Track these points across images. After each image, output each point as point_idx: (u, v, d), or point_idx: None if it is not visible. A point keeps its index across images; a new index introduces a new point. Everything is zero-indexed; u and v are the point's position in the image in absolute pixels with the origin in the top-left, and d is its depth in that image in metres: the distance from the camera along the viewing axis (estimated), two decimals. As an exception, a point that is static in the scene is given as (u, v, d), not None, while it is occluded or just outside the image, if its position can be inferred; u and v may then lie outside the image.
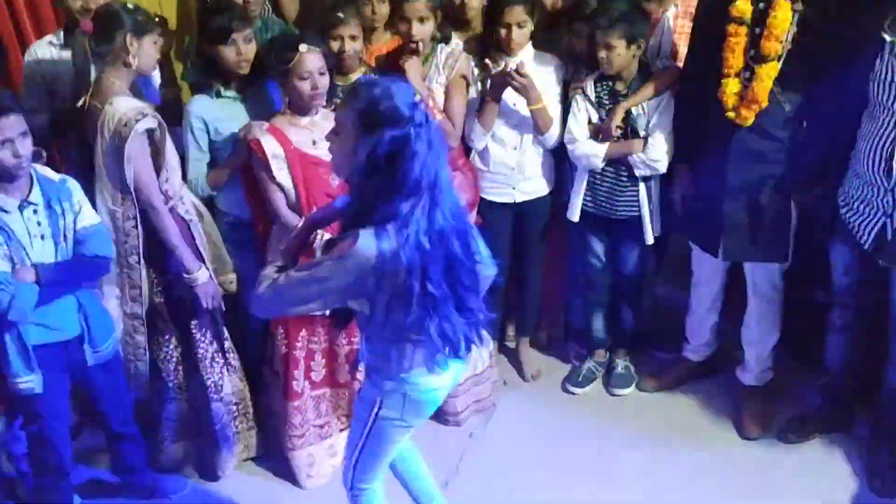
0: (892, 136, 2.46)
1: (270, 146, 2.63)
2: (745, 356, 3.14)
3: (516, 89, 2.93)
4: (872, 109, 2.54)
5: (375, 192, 1.82)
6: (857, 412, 3.08)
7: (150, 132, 2.51)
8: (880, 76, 2.47)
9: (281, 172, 2.65)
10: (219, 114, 2.78)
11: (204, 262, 2.71)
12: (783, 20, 2.63)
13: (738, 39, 2.71)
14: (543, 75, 3.06)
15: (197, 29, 3.06)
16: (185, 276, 2.64)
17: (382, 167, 1.78)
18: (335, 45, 2.84)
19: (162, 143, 2.56)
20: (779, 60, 2.68)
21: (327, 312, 2.17)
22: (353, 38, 2.86)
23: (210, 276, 2.70)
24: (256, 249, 2.88)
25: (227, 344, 2.87)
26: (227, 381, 2.88)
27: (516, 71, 2.89)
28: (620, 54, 2.91)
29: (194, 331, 2.78)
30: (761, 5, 2.67)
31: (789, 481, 2.90)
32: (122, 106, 2.47)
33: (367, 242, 1.79)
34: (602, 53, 2.91)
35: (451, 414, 3.20)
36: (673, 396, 3.32)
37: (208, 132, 2.78)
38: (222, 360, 2.85)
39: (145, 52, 2.53)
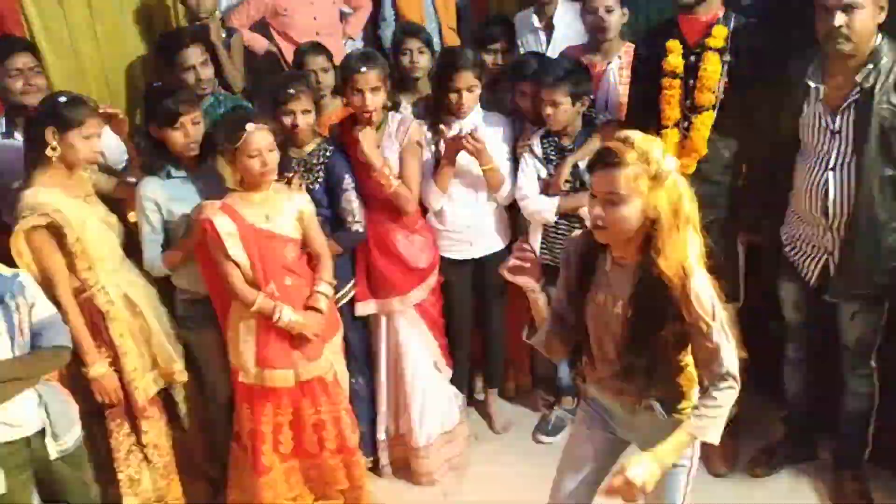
0: (824, 177, 2.56)
1: (224, 225, 2.65)
2: (709, 393, 3.19)
3: (470, 153, 3.00)
4: (805, 152, 2.65)
5: None
6: (819, 441, 3.15)
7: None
8: (808, 121, 2.59)
9: (236, 249, 2.67)
10: (170, 194, 2.80)
11: (117, 354, 2.70)
12: (714, 72, 2.75)
13: (672, 92, 2.82)
14: (493, 135, 3.14)
15: (144, 111, 3.09)
16: (82, 368, 2.64)
17: None
18: (288, 120, 2.88)
19: (71, 236, 2.57)
20: (714, 109, 2.79)
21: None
22: (305, 111, 2.90)
23: (107, 371, 2.68)
24: (215, 326, 2.88)
25: (148, 437, 2.83)
26: (145, 477, 2.84)
27: (471, 135, 2.96)
28: (566, 111, 2.99)
29: (108, 420, 2.76)
30: (692, 58, 2.79)
31: (759, 517, 2.95)
32: (27, 199, 2.52)
33: None
34: (548, 110, 2.99)
35: (424, 474, 3.21)
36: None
37: (161, 213, 2.80)
38: (141, 455, 2.83)
39: (70, 145, 2.56)
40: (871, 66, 2.43)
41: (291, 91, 2.87)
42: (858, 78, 2.44)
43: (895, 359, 2.85)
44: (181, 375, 2.88)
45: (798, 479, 3.08)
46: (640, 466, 1.85)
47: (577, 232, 2.15)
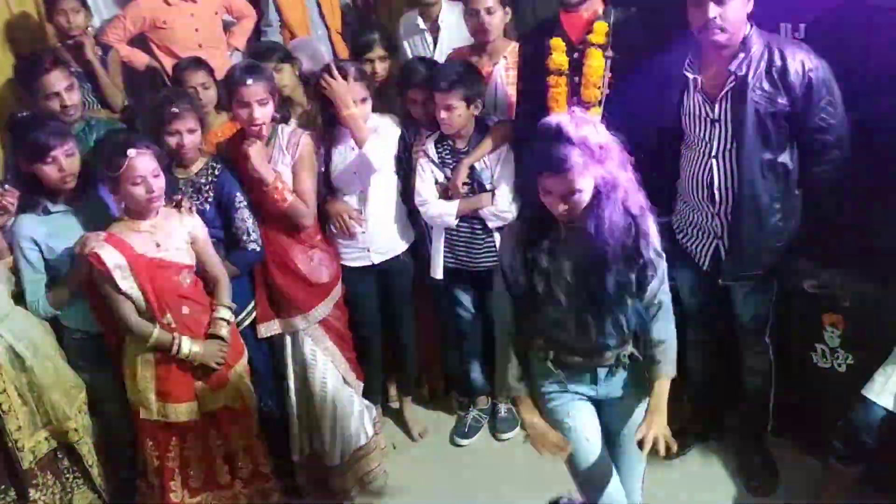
0: (709, 164, 2.64)
1: (111, 257, 2.52)
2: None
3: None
4: (688, 141, 2.72)
5: None
6: (725, 419, 3.25)
7: None
8: (689, 111, 2.66)
9: (126, 282, 2.55)
10: (49, 230, 2.65)
11: None
12: (597, 67, 2.80)
13: (559, 90, 2.85)
14: (383, 129, 3.09)
15: (10, 145, 2.90)
16: None
17: None
18: (173, 141, 2.76)
19: None
20: (600, 105, 2.83)
21: None
22: (190, 130, 2.78)
23: None
24: (110, 364, 2.75)
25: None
26: None
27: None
28: (461, 115, 2.99)
29: None
30: (575, 55, 2.82)
31: (675, 495, 3.02)
32: None
33: None
34: (443, 115, 2.97)
35: (342, 491, 3.16)
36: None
37: (41, 251, 2.65)
38: None
39: None
40: (742, 54, 2.50)
41: (175, 110, 2.75)
42: (732, 67, 2.51)
43: (790, 334, 2.98)
44: (75, 435, 2.71)
45: (708, 456, 3.18)
46: (655, 425, 2.11)
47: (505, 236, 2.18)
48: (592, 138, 1.97)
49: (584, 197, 1.99)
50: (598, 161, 1.97)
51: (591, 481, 2.25)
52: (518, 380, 2.28)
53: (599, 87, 2.81)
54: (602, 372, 2.23)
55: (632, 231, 2.06)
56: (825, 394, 2.93)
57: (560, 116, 2.01)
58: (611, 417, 2.31)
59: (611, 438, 2.32)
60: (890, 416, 2.42)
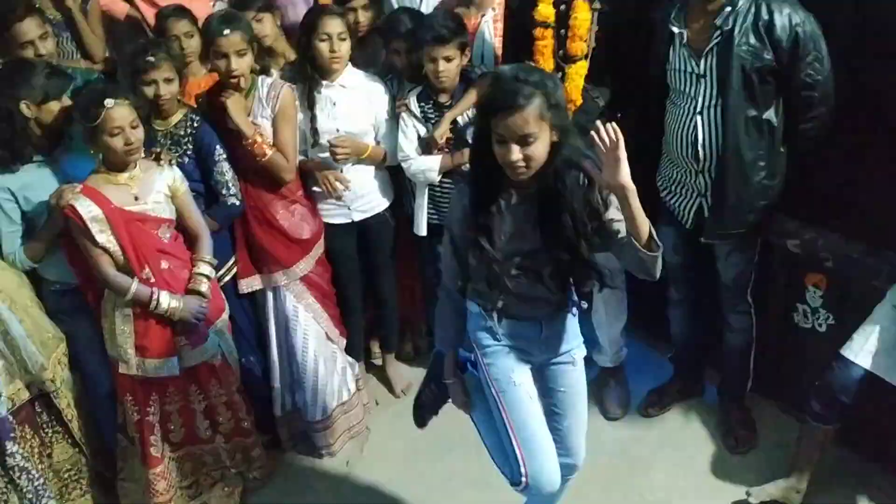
0: (693, 120, 2.61)
1: (87, 209, 2.49)
2: (599, 340, 3.26)
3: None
4: (673, 97, 2.68)
5: None
6: (706, 378, 3.27)
7: None
8: (675, 66, 2.62)
9: (103, 235, 2.52)
10: (25, 181, 2.60)
11: None
12: (584, 20, 2.75)
13: (545, 42, 2.80)
14: (375, 94, 3.06)
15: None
16: None
17: None
18: (150, 91, 2.71)
19: None
20: (587, 59, 2.79)
21: None
22: (167, 80, 2.73)
23: None
24: (90, 317, 2.74)
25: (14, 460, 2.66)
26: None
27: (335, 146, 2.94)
28: (458, 65, 2.94)
29: None
30: (563, 7, 2.77)
31: (654, 454, 3.05)
32: None
33: None
34: (441, 67, 2.91)
35: (324, 446, 3.18)
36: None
37: (17, 202, 2.61)
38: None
39: None
40: (728, 8, 2.46)
41: (151, 59, 2.69)
42: (718, 21, 2.47)
43: (772, 294, 2.98)
44: (51, 385, 2.70)
45: (688, 414, 3.20)
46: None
47: (456, 197, 2.10)
48: (550, 85, 1.91)
49: (540, 149, 1.91)
50: (555, 109, 1.90)
51: (529, 442, 2.18)
52: (450, 336, 2.31)
53: (586, 41, 2.76)
54: (545, 322, 2.19)
55: (585, 186, 1.99)
56: (805, 353, 2.94)
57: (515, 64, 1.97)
58: (554, 380, 2.29)
59: (552, 403, 2.30)
60: (867, 377, 2.43)
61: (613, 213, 1.99)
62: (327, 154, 3.00)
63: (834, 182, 2.66)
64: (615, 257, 2.03)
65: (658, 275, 1.98)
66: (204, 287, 2.69)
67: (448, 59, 2.90)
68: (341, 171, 3.03)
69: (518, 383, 2.20)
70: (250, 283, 3.01)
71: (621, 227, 1.96)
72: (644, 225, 1.90)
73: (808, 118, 2.53)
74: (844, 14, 2.53)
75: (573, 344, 2.27)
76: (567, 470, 2.34)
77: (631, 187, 1.85)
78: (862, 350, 2.44)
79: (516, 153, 1.89)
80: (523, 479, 2.17)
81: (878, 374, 2.41)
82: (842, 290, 2.77)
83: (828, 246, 2.74)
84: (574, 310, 2.22)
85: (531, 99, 1.86)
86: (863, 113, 2.54)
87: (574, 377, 2.30)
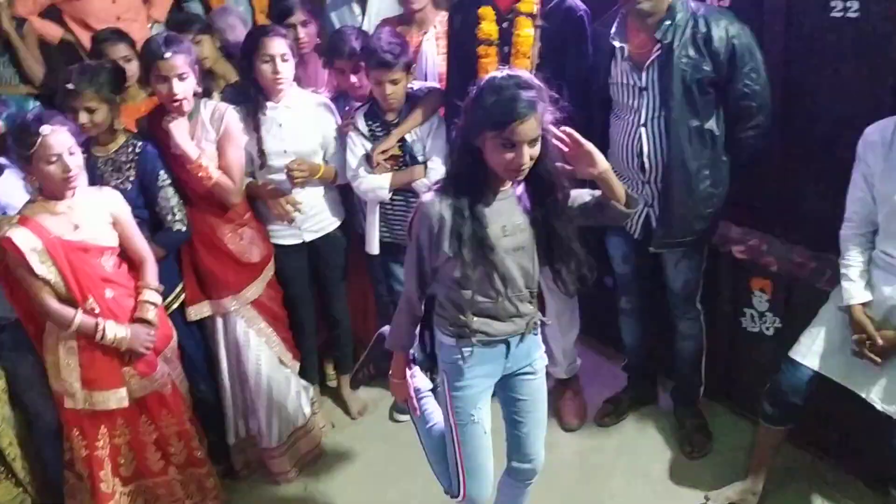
0: (638, 133, 2.65)
1: (25, 241, 2.40)
2: (553, 351, 3.27)
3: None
4: (617, 111, 2.72)
5: None
6: (659, 386, 3.32)
7: None
8: (617, 80, 2.66)
9: (43, 266, 2.43)
10: (-43, 213, 2.52)
11: None
12: (527, 36, 2.77)
13: (489, 59, 2.82)
14: (320, 113, 3.04)
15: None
16: None
17: None
18: (78, 119, 2.62)
19: None
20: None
21: None
22: (89, 110, 2.64)
23: None
24: (32, 351, 2.64)
25: None
26: None
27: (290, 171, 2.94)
28: (405, 85, 2.94)
29: None
30: (505, 25, 2.79)
31: (612, 463, 3.07)
32: None
33: None
34: (389, 90, 2.91)
35: (281, 473, 3.12)
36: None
37: (-49, 235, 2.51)
38: None
39: None
40: (668, 22, 2.51)
41: (70, 86, 2.62)
42: (658, 35, 2.52)
43: (720, 300, 3.03)
44: None
45: (644, 422, 3.24)
46: None
47: (429, 206, 2.08)
48: (543, 87, 2.00)
49: (539, 147, 1.99)
50: (549, 108, 2.00)
51: (474, 469, 2.30)
52: (403, 340, 2.37)
53: (529, 57, 2.78)
54: (514, 342, 2.24)
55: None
56: (754, 357, 3.00)
57: (507, 69, 2.03)
58: (515, 389, 2.33)
59: (513, 411, 2.36)
60: (816, 377, 2.49)
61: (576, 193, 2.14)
62: (277, 176, 2.97)
63: (775, 189, 2.74)
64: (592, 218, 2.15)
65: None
66: (151, 314, 2.63)
67: (394, 83, 2.90)
68: (291, 194, 2.99)
69: (477, 420, 2.27)
70: (199, 311, 2.95)
71: (585, 196, 2.13)
72: (622, 188, 2.08)
73: (747, 127, 2.60)
74: (777, 27, 2.61)
75: (535, 355, 2.32)
76: (527, 475, 2.43)
77: (608, 167, 2.03)
78: (809, 351, 2.49)
79: (527, 155, 1.96)
80: (461, 495, 2.33)
81: (825, 375, 2.47)
82: (787, 293, 2.84)
83: (772, 251, 2.81)
84: (539, 327, 2.29)
85: (539, 103, 1.95)
86: (800, 120, 2.62)
87: (535, 386, 2.35)
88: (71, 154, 2.43)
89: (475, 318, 2.15)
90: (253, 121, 2.94)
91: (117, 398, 2.59)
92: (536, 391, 2.35)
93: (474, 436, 2.27)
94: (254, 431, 3.10)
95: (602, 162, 2.01)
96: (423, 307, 2.28)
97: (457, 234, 2.04)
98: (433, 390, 2.73)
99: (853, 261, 2.41)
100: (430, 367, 3.37)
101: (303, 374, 3.23)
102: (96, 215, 2.56)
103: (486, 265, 2.07)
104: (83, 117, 2.63)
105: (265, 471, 3.15)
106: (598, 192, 2.12)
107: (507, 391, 2.35)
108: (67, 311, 2.48)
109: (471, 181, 2.05)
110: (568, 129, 1.99)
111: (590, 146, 2.00)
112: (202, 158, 2.75)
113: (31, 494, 2.78)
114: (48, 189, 2.47)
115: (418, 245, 2.13)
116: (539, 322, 2.28)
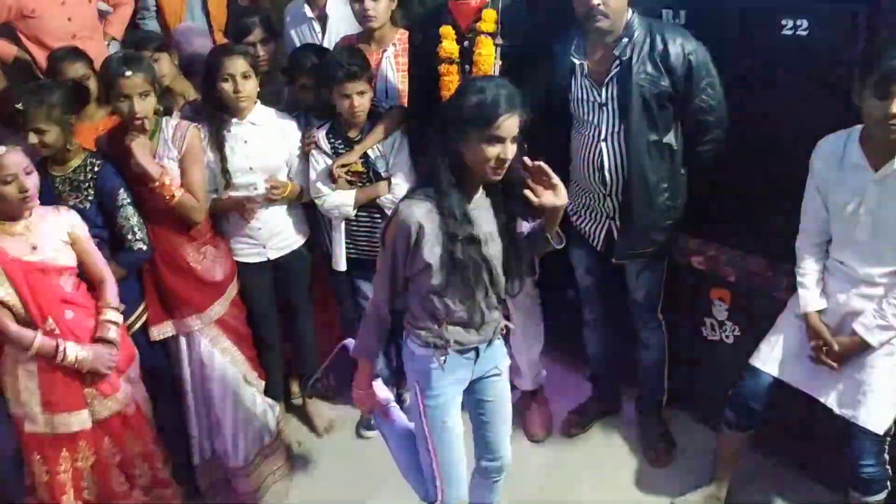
0: (598, 147, 2.70)
1: (-18, 263, 2.37)
2: (518, 363, 3.29)
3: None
4: (578, 126, 2.77)
5: None
6: (623, 394, 3.36)
7: None
8: (577, 96, 2.71)
9: (1, 289, 2.39)
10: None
11: None
12: (488, 55, 2.80)
13: (451, 78, 2.84)
14: (286, 130, 3.04)
15: None
16: None
17: None
18: (31, 139, 2.58)
19: None
20: (492, 92, 2.84)
21: None
22: (38, 131, 2.59)
23: None
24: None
25: None
26: None
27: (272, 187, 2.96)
28: (370, 99, 2.97)
29: None
30: (466, 43, 2.82)
31: (579, 473, 3.10)
32: None
33: None
34: (356, 102, 2.92)
35: (246, 493, 3.08)
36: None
37: None
38: None
39: None
40: (626, 39, 2.57)
41: (18, 106, 2.57)
42: (617, 52, 2.58)
43: (680, 309, 3.09)
44: None
45: (609, 432, 3.28)
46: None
47: (407, 215, 2.11)
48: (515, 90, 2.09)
49: (516, 147, 2.07)
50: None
51: (450, 474, 2.35)
52: (371, 348, 2.37)
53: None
54: (483, 347, 2.31)
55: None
56: (715, 364, 3.06)
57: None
58: (483, 392, 2.40)
59: (481, 413, 2.44)
60: (776, 383, 2.55)
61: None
62: (241, 193, 2.96)
63: (732, 201, 2.80)
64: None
65: None
66: (112, 334, 2.59)
67: (361, 94, 2.92)
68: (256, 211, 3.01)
69: (450, 426, 2.32)
70: (162, 330, 2.91)
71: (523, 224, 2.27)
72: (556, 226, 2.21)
73: (704, 140, 2.66)
74: (732, 43, 2.68)
75: (500, 358, 2.40)
76: (496, 472, 2.53)
77: (566, 203, 2.15)
78: (769, 358, 2.55)
79: (511, 149, 2.05)
80: (437, 501, 2.38)
81: (785, 381, 2.53)
82: (745, 302, 2.91)
83: (730, 262, 2.88)
84: (503, 331, 2.38)
85: (520, 99, 2.06)
86: (754, 134, 2.69)
87: (500, 386, 2.43)
88: (27, 173, 2.40)
89: (449, 327, 2.20)
90: (217, 138, 2.93)
91: (80, 420, 2.55)
92: (502, 391, 2.43)
93: (448, 442, 2.32)
94: (219, 451, 3.06)
95: (564, 197, 2.11)
96: (390, 319, 2.30)
97: (449, 234, 2.09)
98: (398, 402, 2.77)
99: (809, 269, 2.49)
100: (396, 381, 3.40)
101: (268, 392, 3.19)
102: (54, 235, 2.52)
103: (474, 265, 2.13)
104: (32, 138, 2.59)
105: (231, 491, 3.11)
106: (536, 222, 2.24)
107: (474, 394, 2.42)
108: (27, 333, 2.44)
109: (452, 184, 2.10)
110: (540, 163, 2.08)
111: (557, 180, 2.09)
112: (164, 177, 2.73)
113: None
114: (4, 210, 2.43)
115: (394, 253, 2.15)
116: (505, 327, 2.37)
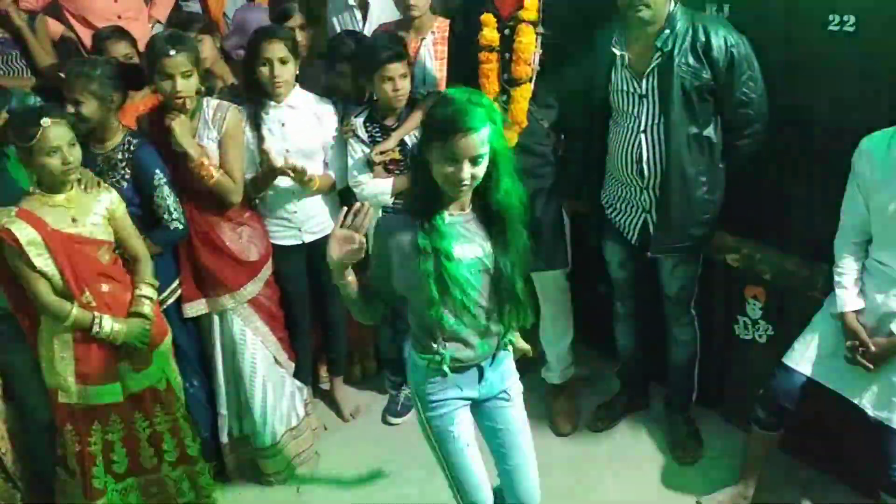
0: (637, 139, 2.68)
1: (23, 233, 2.41)
2: (547, 357, 3.29)
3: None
4: (616, 117, 2.75)
5: None
6: (652, 391, 3.34)
7: None
8: (617, 87, 2.69)
9: (40, 259, 2.43)
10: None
11: None
12: (528, 44, 2.79)
13: (490, 66, 2.84)
14: (323, 115, 3.06)
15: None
16: None
17: None
18: (68, 109, 2.61)
19: None
20: (531, 81, 2.83)
21: None
22: (76, 101, 2.62)
23: None
24: (25, 340, 2.62)
25: None
26: None
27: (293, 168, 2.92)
28: (409, 82, 2.98)
29: None
30: (507, 31, 2.82)
31: (605, 468, 3.08)
32: None
33: None
34: (399, 84, 2.94)
35: (273, 474, 3.11)
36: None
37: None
38: None
39: None
40: (668, 31, 2.54)
41: (62, 74, 2.65)
42: (658, 43, 2.55)
43: (713, 306, 3.06)
44: None
45: (636, 428, 3.25)
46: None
47: (385, 233, 2.09)
48: (496, 109, 1.99)
49: (483, 167, 1.97)
50: (498, 132, 1.99)
51: (463, 483, 2.28)
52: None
53: (530, 64, 2.81)
54: (487, 365, 2.21)
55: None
56: (746, 364, 3.02)
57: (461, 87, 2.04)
58: (493, 418, 2.30)
59: (498, 443, 2.32)
60: (809, 383, 2.51)
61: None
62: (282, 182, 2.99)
63: (770, 198, 2.76)
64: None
65: None
66: (147, 309, 2.63)
67: (404, 77, 2.93)
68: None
69: (456, 436, 2.24)
70: (196, 307, 2.94)
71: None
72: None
73: (744, 135, 2.63)
74: (776, 38, 2.65)
75: (509, 382, 2.29)
76: None
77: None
78: (803, 357, 2.52)
79: (468, 171, 1.94)
80: None
81: (818, 381, 2.49)
82: (780, 301, 2.86)
83: (766, 260, 2.84)
84: (509, 347, 2.26)
85: (486, 122, 1.93)
86: (794, 131, 2.65)
87: (512, 414, 2.30)
88: (71, 146, 2.44)
89: (446, 344, 2.12)
90: (254, 120, 2.96)
91: (111, 393, 2.59)
92: (515, 420, 2.31)
93: (456, 452, 2.26)
94: (247, 431, 3.09)
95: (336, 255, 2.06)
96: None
97: (416, 246, 2.01)
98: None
99: (847, 269, 2.45)
100: (401, 380, 3.38)
101: (297, 375, 3.22)
102: (93, 209, 2.56)
103: (447, 277, 2.02)
104: (69, 109, 2.61)
105: (257, 471, 3.14)
106: None
107: (485, 420, 2.32)
108: (64, 304, 2.48)
109: (424, 193, 2.04)
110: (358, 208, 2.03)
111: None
112: (203, 157, 2.76)
113: (22, 490, 2.75)
114: (46, 181, 2.48)
115: (388, 261, 2.09)
116: (510, 342, 2.25)
